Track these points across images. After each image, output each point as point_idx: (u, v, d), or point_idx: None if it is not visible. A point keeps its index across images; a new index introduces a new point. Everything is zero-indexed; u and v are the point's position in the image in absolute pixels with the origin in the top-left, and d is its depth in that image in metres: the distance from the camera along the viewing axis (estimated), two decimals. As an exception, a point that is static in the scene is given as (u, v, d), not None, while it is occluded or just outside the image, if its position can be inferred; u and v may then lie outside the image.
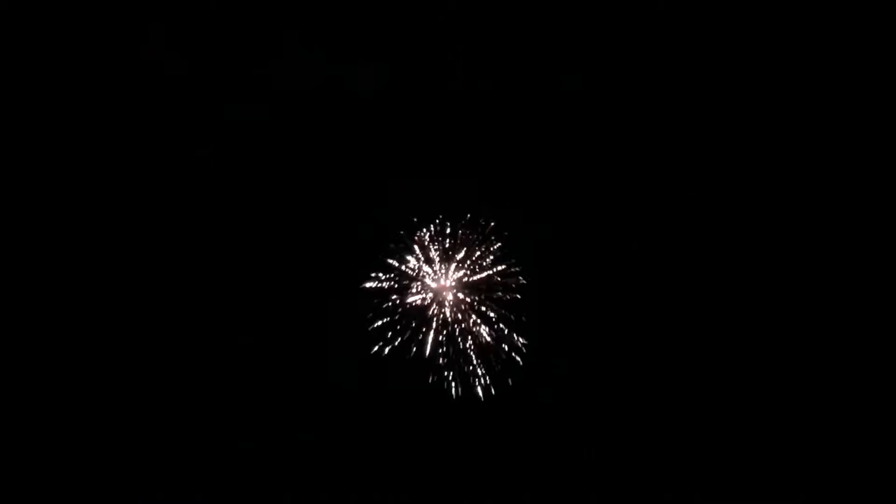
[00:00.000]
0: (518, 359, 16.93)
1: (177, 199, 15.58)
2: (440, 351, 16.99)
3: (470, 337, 17.07)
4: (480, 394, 16.77)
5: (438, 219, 16.87)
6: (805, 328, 15.06)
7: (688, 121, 15.61)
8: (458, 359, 16.96)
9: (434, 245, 17.16)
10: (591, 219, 16.01)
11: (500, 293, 17.18)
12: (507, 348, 16.99)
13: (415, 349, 16.98)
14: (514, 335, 16.94)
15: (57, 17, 15.06)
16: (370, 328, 16.89)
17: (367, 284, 16.85)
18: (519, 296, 17.06)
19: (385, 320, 16.99)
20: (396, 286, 17.14)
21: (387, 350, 16.93)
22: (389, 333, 17.04)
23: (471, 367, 16.92)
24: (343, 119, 15.86)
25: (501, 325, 17.10)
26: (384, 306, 16.97)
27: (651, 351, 15.57)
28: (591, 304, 16.15)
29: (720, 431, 15.03)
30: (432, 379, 16.75)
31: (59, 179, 15.34)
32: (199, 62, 15.56)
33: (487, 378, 16.85)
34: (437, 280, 17.27)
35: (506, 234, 16.88)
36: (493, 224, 16.86)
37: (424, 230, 17.06)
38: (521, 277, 17.12)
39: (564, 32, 15.65)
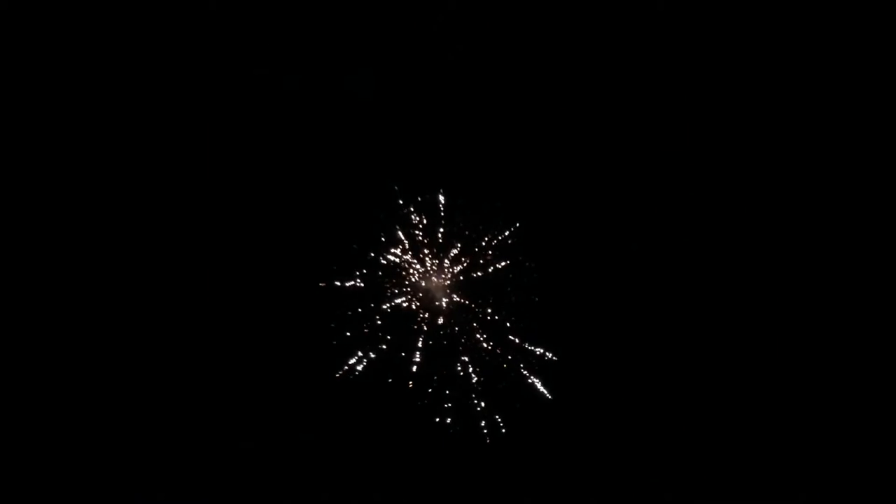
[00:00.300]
0: (541, 387, 14.38)
1: (169, 197, 15.42)
2: (431, 370, 14.41)
3: (470, 353, 14.46)
4: (485, 432, 14.28)
5: (429, 195, 14.26)
6: (805, 328, 14.85)
7: (693, 120, 15.37)
8: (454, 383, 14.39)
9: (425, 231, 14.47)
10: (595, 216, 15.47)
11: (511, 296, 14.59)
12: (523, 370, 14.38)
13: (398, 367, 14.44)
14: (533, 350, 14.39)
15: (54, 17, 14.87)
16: (334, 342, 14.36)
17: (335, 282, 14.28)
18: (536, 298, 14.54)
19: (361, 329, 14.41)
20: (373, 285, 14.44)
21: (359, 369, 14.39)
22: (362, 349, 14.44)
23: (472, 397, 14.37)
24: (342, 120, 15.43)
25: (515, 338, 14.52)
26: (351, 312, 14.39)
27: (657, 354, 15.06)
28: (612, 313, 15.28)
29: (720, 431, 14.73)
30: (421, 403, 14.35)
31: (49, 176, 15.21)
32: (198, 62, 15.54)
33: (496, 416, 14.28)
34: (429, 277, 14.57)
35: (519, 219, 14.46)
36: (499, 204, 14.42)
37: (412, 211, 14.39)
38: (535, 275, 14.59)
39: (568, 31, 15.34)
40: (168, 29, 15.39)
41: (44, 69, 15.15)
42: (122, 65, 15.32)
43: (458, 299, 14.87)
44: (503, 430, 14.59)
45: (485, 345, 14.70)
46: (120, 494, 14.36)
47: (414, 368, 14.61)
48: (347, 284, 14.65)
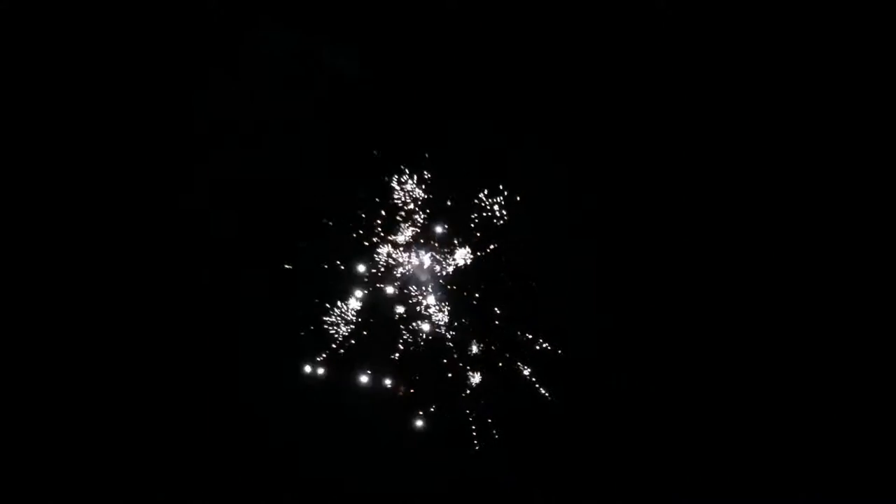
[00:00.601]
0: (534, 381, 13.31)
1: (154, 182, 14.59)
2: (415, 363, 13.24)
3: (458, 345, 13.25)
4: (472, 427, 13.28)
5: (414, 168, 12.75)
6: (805, 327, 14.52)
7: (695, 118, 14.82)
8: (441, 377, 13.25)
9: (412, 198, 13.03)
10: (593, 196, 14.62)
11: (506, 281, 13.35)
12: (516, 362, 13.26)
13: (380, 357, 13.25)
14: (527, 341, 13.24)
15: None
16: (309, 329, 13.16)
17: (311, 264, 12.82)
18: (533, 283, 13.39)
19: (328, 326, 13.19)
20: (352, 266, 13.04)
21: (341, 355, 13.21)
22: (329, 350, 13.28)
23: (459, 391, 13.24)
24: (331, 103, 14.32)
25: (507, 327, 13.28)
26: (319, 299, 13.14)
27: (657, 348, 14.52)
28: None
29: (720, 431, 14.38)
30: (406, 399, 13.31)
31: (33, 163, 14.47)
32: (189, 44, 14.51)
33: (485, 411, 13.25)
34: (416, 260, 13.16)
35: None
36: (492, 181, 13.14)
37: (395, 187, 12.83)
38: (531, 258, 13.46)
39: (567, 25, 14.71)
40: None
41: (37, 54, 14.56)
42: (103, 49, 14.48)
43: (445, 284, 13.61)
44: (491, 423, 13.67)
45: (472, 333, 13.57)
46: (120, 495, 14.06)
47: (396, 356, 13.42)
48: (325, 267, 13.32)
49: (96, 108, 14.50)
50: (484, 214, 13.54)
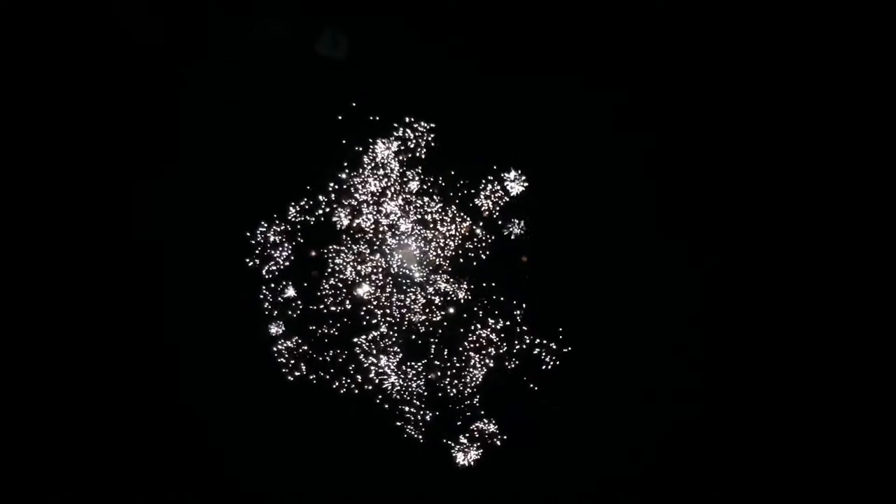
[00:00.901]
0: (545, 391, 13.25)
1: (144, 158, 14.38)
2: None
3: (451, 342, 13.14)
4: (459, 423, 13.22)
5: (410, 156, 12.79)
6: (804, 327, 14.34)
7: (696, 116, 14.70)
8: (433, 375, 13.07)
9: (409, 191, 12.94)
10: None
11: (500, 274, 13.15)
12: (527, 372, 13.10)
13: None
14: (522, 336, 13.04)
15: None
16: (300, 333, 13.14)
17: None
18: (527, 277, 13.31)
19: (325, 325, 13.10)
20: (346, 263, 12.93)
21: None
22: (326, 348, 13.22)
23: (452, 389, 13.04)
24: (323, 91, 14.22)
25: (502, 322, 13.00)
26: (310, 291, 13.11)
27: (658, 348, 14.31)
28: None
29: (720, 431, 14.23)
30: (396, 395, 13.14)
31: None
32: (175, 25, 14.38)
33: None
34: (413, 254, 13.04)
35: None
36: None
37: (393, 171, 12.87)
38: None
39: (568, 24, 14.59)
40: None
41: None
42: (84, 25, 14.27)
43: (440, 275, 13.39)
44: (489, 422, 13.43)
45: (468, 329, 13.30)
46: (119, 495, 13.92)
47: (393, 354, 13.28)
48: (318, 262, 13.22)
49: (89, 100, 14.36)
50: (484, 205, 13.47)
